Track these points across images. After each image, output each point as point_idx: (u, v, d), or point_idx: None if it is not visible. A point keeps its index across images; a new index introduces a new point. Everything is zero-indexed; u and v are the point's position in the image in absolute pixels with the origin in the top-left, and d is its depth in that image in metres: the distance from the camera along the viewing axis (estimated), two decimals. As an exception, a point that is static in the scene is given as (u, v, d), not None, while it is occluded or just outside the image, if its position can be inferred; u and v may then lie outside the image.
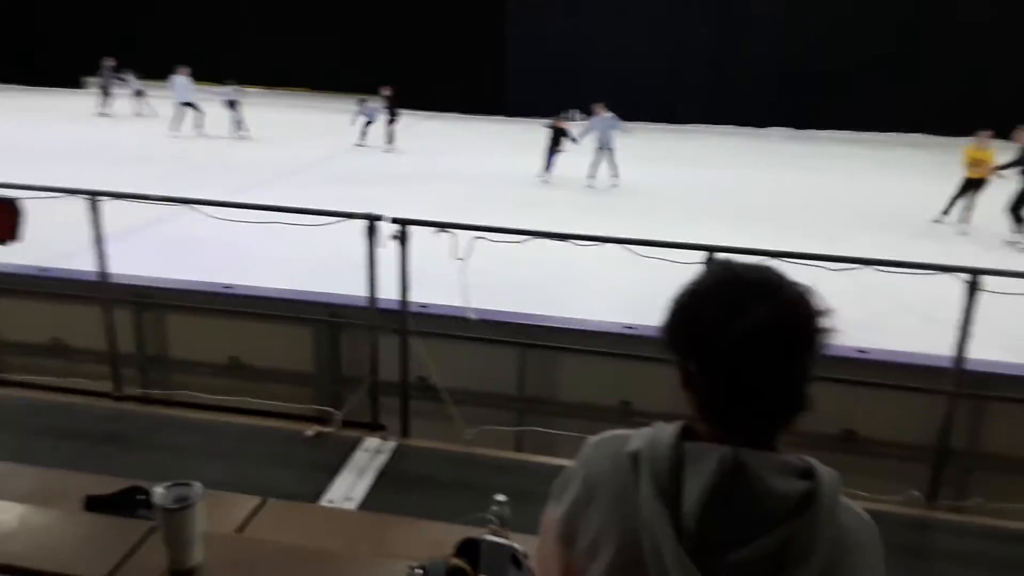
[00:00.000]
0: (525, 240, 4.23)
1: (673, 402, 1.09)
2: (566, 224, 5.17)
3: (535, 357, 5.20)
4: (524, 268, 7.06)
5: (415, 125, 19.24)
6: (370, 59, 21.68)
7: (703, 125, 21.41)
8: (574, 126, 14.53)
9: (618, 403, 5.07)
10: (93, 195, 4.45)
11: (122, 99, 20.15)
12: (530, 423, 5.08)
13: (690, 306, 1.07)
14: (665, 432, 1.06)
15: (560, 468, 1.22)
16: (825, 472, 1.02)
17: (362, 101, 16.93)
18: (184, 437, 4.05)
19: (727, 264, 1.10)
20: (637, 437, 1.08)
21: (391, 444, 3.96)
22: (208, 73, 18.48)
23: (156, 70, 20.94)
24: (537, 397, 5.23)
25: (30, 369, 5.27)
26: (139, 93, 20.11)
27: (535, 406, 5.23)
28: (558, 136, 14.18)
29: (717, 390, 1.03)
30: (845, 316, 1.08)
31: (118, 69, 20.15)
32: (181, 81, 17.47)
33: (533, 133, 15.10)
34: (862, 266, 4.04)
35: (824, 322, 1.03)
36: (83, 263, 5.49)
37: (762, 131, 21.02)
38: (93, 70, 20.38)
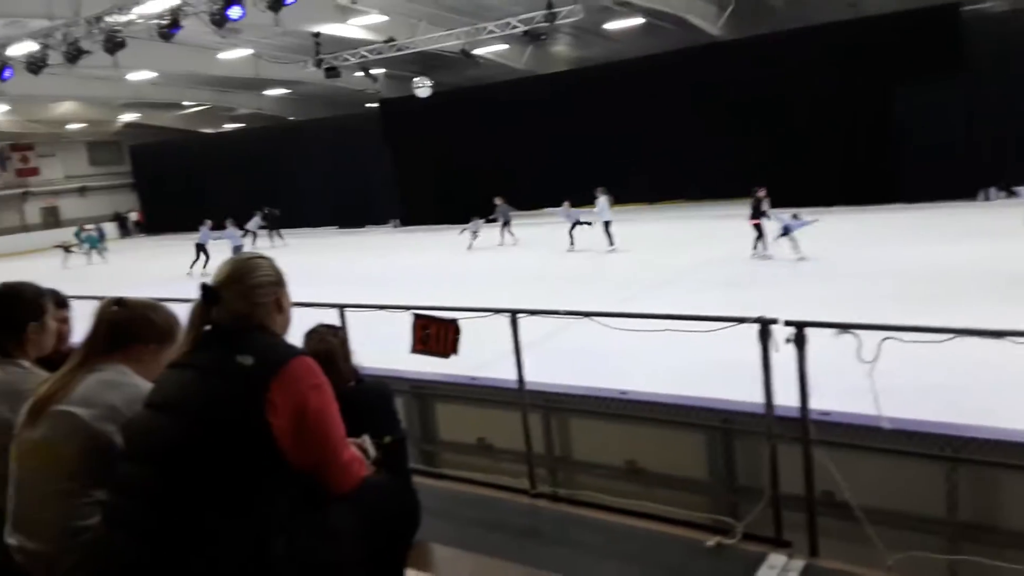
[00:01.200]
0: (945, 340, 3.73)
1: None
2: (989, 319, 4.43)
3: (968, 474, 4.45)
4: (946, 370, 6.20)
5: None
6: (743, 162, 21.71)
7: None
8: None
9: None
10: (513, 312, 5.10)
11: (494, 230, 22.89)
12: (967, 552, 4.31)
13: None
14: None
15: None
16: None
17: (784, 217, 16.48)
18: (587, 535, 4.27)
19: None
20: None
21: (799, 563, 3.68)
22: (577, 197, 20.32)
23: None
24: (974, 522, 4.44)
25: (462, 465, 6.09)
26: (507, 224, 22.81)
27: (971, 533, 4.43)
28: None
29: None
30: None
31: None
32: (603, 202, 19.14)
33: (929, 219, 13.51)
34: None
35: None
36: (493, 372, 6.26)
37: None
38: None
